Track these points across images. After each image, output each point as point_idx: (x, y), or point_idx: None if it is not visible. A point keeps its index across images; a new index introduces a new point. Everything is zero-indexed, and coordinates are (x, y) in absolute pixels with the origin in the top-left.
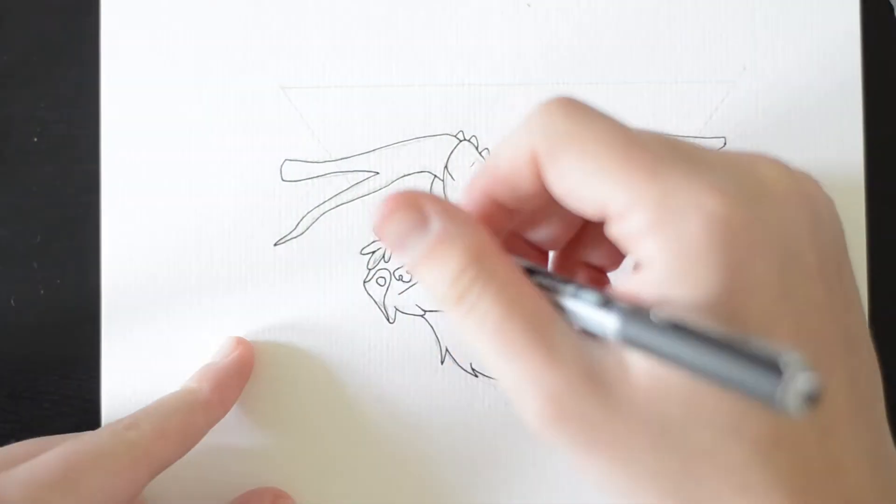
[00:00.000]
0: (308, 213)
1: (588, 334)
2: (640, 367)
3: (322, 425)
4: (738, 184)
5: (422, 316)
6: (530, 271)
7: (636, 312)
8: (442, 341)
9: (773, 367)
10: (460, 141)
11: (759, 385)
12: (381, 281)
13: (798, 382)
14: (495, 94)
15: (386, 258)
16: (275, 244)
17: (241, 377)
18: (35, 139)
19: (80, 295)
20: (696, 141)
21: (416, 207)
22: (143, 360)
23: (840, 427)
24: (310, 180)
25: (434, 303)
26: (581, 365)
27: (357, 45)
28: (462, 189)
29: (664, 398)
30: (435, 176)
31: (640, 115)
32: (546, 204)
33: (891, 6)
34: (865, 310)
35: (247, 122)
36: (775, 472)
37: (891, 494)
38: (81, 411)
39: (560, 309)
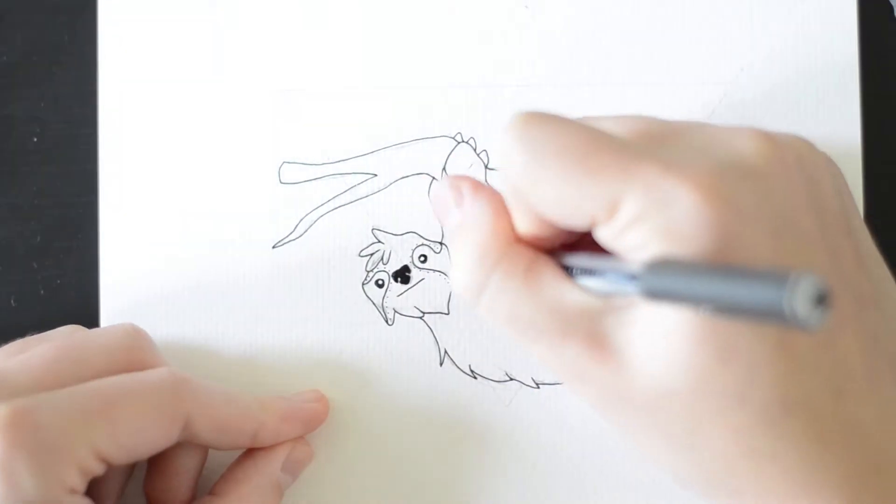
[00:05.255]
0: (306, 215)
1: (602, 298)
2: (647, 341)
3: (320, 427)
4: (718, 164)
5: (420, 318)
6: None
7: (654, 264)
8: (441, 343)
9: (777, 281)
10: (458, 143)
11: (768, 302)
12: (379, 283)
13: (802, 288)
14: (493, 96)
15: (384, 260)
16: (273, 246)
17: (304, 429)
18: (35, 139)
19: (79, 295)
20: None
21: (455, 188)
22: None
23: (857, 386)
24: (308, 182)
25: (456, 292)
26: (594, 337)
27: (355, 48)
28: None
29: (672, 368)
30: (433, 178)
31: None
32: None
33: (891, 6)
34: None
35: (245, 124)
36: (784, 438)
37: None
38: None
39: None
